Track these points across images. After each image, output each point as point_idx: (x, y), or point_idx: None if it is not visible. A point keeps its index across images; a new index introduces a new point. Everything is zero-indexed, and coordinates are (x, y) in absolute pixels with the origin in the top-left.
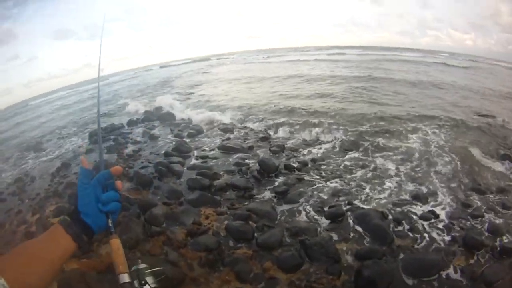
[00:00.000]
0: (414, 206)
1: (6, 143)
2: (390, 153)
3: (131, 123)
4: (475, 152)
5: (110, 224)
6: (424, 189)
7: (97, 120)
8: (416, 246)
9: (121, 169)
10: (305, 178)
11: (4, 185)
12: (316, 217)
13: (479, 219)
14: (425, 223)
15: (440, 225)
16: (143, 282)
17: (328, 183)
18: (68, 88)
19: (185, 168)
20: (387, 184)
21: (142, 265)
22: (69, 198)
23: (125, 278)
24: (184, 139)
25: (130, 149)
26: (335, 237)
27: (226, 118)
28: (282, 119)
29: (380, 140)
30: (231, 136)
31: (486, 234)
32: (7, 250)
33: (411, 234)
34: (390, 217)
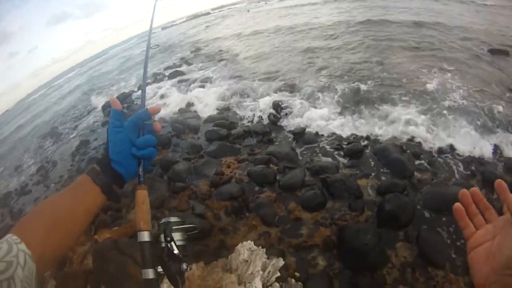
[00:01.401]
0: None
1: (22, 136)
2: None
3: (139, 87)
4: None
5: (140, 173)
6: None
7: (147, 44)
8: (435, 181)
9: (159, 108)
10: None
11: (27, 176)
12: (335, 154)
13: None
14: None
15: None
16: (168, 238)
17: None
18: (72, 70)
19: (201, 121)
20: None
21: (174, 219)
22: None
23: (145, 236)
24: (196, 94)
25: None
26: (355, 173)
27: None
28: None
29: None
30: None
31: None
32: None
33: (430, 168)
34: (409, 151)
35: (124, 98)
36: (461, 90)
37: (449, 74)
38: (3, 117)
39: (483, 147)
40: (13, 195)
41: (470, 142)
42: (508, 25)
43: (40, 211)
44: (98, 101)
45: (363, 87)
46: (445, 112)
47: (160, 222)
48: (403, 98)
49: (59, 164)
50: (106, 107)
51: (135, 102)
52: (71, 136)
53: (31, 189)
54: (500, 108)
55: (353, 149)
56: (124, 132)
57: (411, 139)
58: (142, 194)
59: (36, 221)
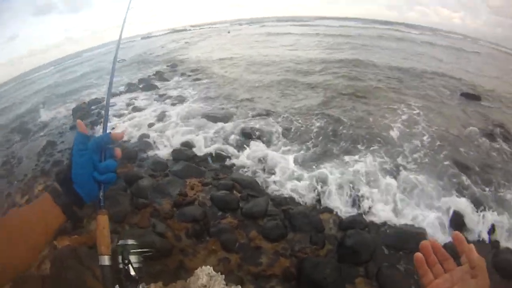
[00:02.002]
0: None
1: None
2: None
3: (114, 95)
4: None
5: (100, 197)
6: None
7: (110, 73)
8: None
9: (122, 134)
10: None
11: None
12: (300, 186)
13: None
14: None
15: None
16: (126, 261)
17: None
18: (49, 65)
19: (169, 139)
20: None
21: (131, 241)
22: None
23: (105, 260)
24: (168, 109)
25: (114, 122)
26: (318, 207)
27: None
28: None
29: None
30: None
31: None
32: None
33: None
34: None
35: (95, 103)
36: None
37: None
38: None
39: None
40: None
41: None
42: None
43: (5, 221)
44: (66, 108)
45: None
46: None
47: (118, 244)
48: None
49: (25, 161)
50: (76, 110)
51: (102, 112)
52: (39, 135)
53: None
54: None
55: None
56: (88, 156)
57: None
58: (103, 219)
59: (1, 230)
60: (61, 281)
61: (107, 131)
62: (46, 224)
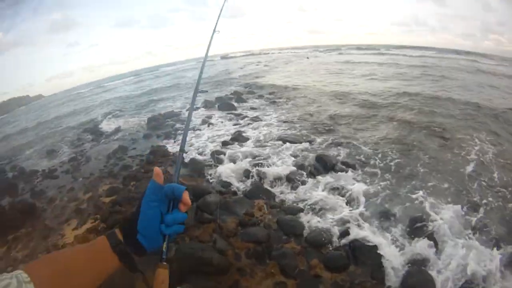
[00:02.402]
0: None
1: (63, 123)
2: None
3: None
4: None
5: (164, 249)
6: None
7: (187, 115)
8: None
9: (189, 204)
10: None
11: (58, 162)
12: (369, 219)
13: None
14: None
15: None
16: None
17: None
18: (129, 75)
19: (241, 158)
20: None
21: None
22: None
23: None
24: (243, 130)
25: (188, 135)
26: (384, 241)
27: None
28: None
29: None
30: (291, 126)
31: None
32: (55, 223)
33: None
34: None
35: (171, 116)
36: None
37: None
38: (49, 98)
39: None
40: (39, 175)
41: None
42: None
43: (53, 258)
44: (142, 117)
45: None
46: None
47: None
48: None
49: (93, 161)
50: (151, 120)
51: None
52: (112, 139)
53: (59, 175)
54: None
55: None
56: (157, 208)
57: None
58: (163, 273)
59: (47, 267)
60: (110, 281)
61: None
62: (99, 267)
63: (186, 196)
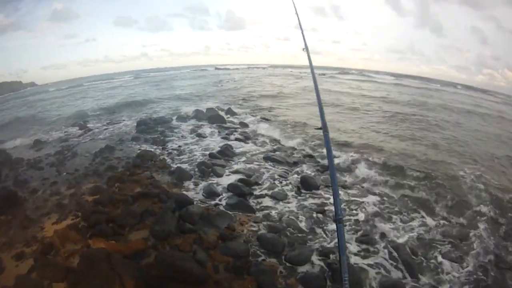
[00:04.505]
0: None
1: (52, 115)
2: None
3: (180, 118)
4: None
5: None
6: None
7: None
8: None
9: None
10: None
11: (44, 154)
12: (350, 241)
13: None
14: None
15: None
16: None
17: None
18: (128, 73)
19: (227, 171)
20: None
21: None
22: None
23: None
24: (230, 144)
25: (176, 143)
26: (364, 263)
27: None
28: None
29: None
30: (277, 147)
31: None
32: (36, 215)
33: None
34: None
35: (161, 122)
36: None
37: None
38: (43, 87)
39: None
40: (24, 163)
41: None
42: None
43: None
44: (131, 118)
45: None
46: None
47: None
48: None
49: (79, 157)
50: (141, 124)
51: (166, 132)
52: (99, 137)
53: (43, 167)
54: None
55: (366, 240)
56: None
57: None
58: None
59: None
60: (87, 280)
61: None
62: None
63: None
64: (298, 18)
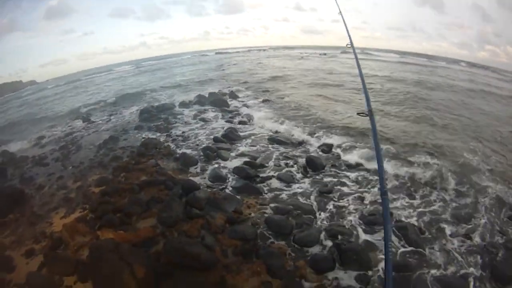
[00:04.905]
0: None
1: (54, 109)
2: None
3: (183, 104)
4: None
5: None
6: None
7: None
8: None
9: None
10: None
11: (48, 149)
12: (355, 221)
13: None
14: None
15: None
16: None
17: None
18: (127, 64)
19: (232, 155)
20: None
21: None
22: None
23: None
24: (235, 127)
25: (180, 129)
26: (372, 244)
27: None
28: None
29: None
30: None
31: None
32: (44, 211)
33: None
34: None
35: (164, 109)
36: None
37: None
38: (43, 84)
39: None
40: (29, 161)
41: None
42: None
43: None
44: (134, 108)
45: None
46: None
47: None
48: None
49: (83, 150)
50: (144, 112)
51: (169, 118)
52: (102, 128)
53: (49, 163)
54: None
55: (373, 221)
56: None
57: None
58: None
59: None
60: (97, 271)
61: None
62: None
63: None
64: (343, 18)
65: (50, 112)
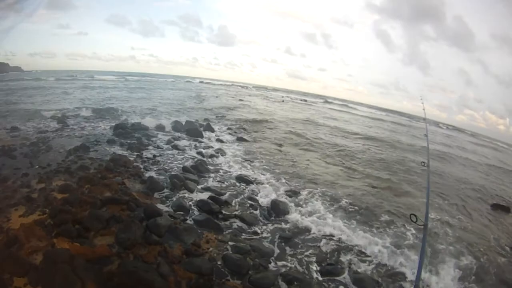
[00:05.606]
0: None
1: (34, 105)
2: None
3: (158, 128)
4: None
5: None
6: None
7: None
8: None
9: None
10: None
11: (18, 143)
12: (312, 269)
13: None
14: None
15: None
16: None
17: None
18: (113, 73)
19: (198, 187)
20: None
21: None
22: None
23: None
24: (205, 159)
25: (151, 152)
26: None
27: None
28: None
29: None
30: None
31: None
32: (3, 204)
33: None
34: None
35: (139, 129)
36: None
37: None
38: (27, 74)
39: None
40: None
41: None
42: None
43: None
44: (109, 121)
45: None
46: None
47: None
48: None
49: (53, 152)
50: (118, 127)
51: (142, 139)
52: (76, 134)
53: (17, 156)
54: None
55: (331, 271)
56: None
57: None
58: None
59: None
60: (49, 279)
61: None
62: None
63: None
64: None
65: (29, 104)
